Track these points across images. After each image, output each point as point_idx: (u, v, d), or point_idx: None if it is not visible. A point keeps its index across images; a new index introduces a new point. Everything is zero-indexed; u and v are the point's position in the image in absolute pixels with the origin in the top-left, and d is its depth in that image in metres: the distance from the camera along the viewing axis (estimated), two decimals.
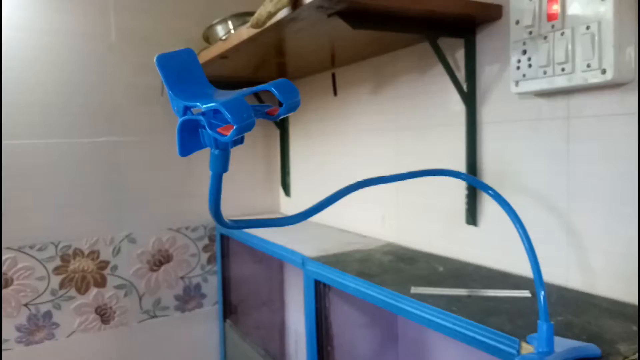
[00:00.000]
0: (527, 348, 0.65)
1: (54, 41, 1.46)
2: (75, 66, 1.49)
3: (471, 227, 1.07)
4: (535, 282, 0.58)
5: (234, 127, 0.35)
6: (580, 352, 0.59)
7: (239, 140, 0.40)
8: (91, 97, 1.51)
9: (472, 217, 1.06)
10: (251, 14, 1.29)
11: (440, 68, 1.08)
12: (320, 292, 1.16)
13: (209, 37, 1.47)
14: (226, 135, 0.37)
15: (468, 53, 1.04)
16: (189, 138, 0.42)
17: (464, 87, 1.04)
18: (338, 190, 0.60)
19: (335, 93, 1.50)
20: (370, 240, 1.33)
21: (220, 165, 0.42)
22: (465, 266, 1.05)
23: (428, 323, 0.80)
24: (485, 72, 1.02)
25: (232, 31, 1.23)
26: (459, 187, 1.09)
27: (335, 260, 1.13)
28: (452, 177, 0.69)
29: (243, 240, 1.55)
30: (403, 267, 1.06)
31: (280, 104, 0.40)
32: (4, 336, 1.42)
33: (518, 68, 0.89)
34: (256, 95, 1.72)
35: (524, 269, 0.96)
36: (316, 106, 1.62)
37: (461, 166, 1.08)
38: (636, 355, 0.60)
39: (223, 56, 1.20)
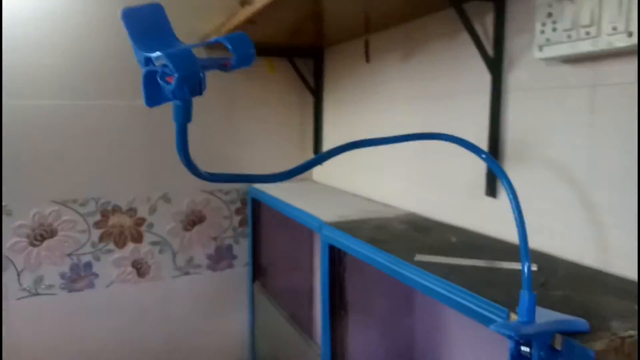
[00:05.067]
0: (515, 318, 0.63)
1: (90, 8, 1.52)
2: (117, 32, 1.54)
3: (490, 199, 1.04)
4: (521, 252, 0.56)
5: (175, 76, 0.36)
6: (565, 325, 0.56)
7: (197, 91, 0.41)
8: (128, 61, 1.56)
9: (491, 189, 1.03)
10: None
11: (467, 35, 1.04)
12: (335, 258, 1.17)
13: (248, 2, 1.48)
14: (171, 84, 0.38)
15: (497, 17, 0.99)
16: (156, 90, 0.43)
17: (491, 53, 1.00)
18: (328, 150, 0.60)
19: (367, 59, 1.48)
20: (392, 210, 1.32)
21: (182, 116, 0.43)
22: (481, 238, 1.02)
23: (426, 290, 0.80)
24: (514, 38, 0.97)
25: None
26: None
27: (351, 227, 1.13)
28: (447, 142, 0.67)
29: (269, 203, 1.58)
30: (416, 236, 1.05)
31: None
32: (48, 282, 1.54)
33: (542, 32, 0.84)
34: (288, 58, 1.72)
35: (541, 244, 0.92)
36: (349, 73, 1.60)
37: (484, 135, 1.04)
38: (630, 332, 0.57)
39: (251, 21, 1.21)
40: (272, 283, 1.82)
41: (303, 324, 1.83)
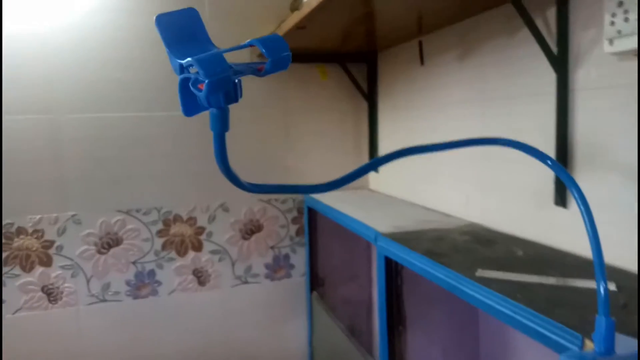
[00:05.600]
0: (590, 346, 0.56)
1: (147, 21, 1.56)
2: None
3: (560, 209, 0.96)
4: (596, 271, 0.50)
5: (206, 82, 0.34)
6: None
7: (232, 98, 0.39)
8: None
9: (561, 198, 0.95)
10: None
11: (527, 31, 0.96)
12: (392, 270, 1.12)
13: (297, 8, 1.47)
14: (202, 90, 0.36)
15: (560, 11, 0.91)
16: (193, 99, 0.42)
17: (555, 50, 0.92)
18: (372, 160, 0.57)
19: (422, 62, 1.42)
20: (453, 220, 1.26)
21: (219, 125, 0.41)
22: (550, 252, 0.94)
23: (489, 309, 0.74)
24: (580, 32, 0.89)
25: None
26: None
27: (408, 238, 1.09)
28: (505, 147, 0.61)
29: (325, 213, 1.55)
30: (478, 248, 0.99)
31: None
32: (115, 289, 1.60)
33: (613, 23, 0.76)
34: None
35: (621, 259, 0.84)
36: (404, 77, 1.55)
37: (550, 139, 0.96)
38: None
39: (300, 26, 1.19)
40: (329, 294, 1.79)
41: (362, 337, 1.79)
